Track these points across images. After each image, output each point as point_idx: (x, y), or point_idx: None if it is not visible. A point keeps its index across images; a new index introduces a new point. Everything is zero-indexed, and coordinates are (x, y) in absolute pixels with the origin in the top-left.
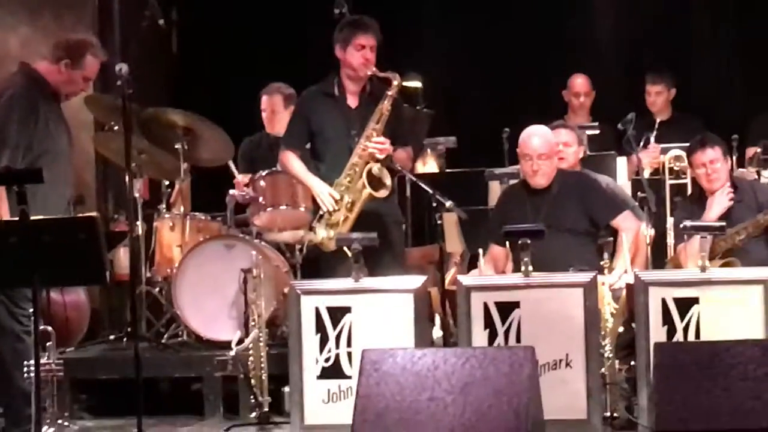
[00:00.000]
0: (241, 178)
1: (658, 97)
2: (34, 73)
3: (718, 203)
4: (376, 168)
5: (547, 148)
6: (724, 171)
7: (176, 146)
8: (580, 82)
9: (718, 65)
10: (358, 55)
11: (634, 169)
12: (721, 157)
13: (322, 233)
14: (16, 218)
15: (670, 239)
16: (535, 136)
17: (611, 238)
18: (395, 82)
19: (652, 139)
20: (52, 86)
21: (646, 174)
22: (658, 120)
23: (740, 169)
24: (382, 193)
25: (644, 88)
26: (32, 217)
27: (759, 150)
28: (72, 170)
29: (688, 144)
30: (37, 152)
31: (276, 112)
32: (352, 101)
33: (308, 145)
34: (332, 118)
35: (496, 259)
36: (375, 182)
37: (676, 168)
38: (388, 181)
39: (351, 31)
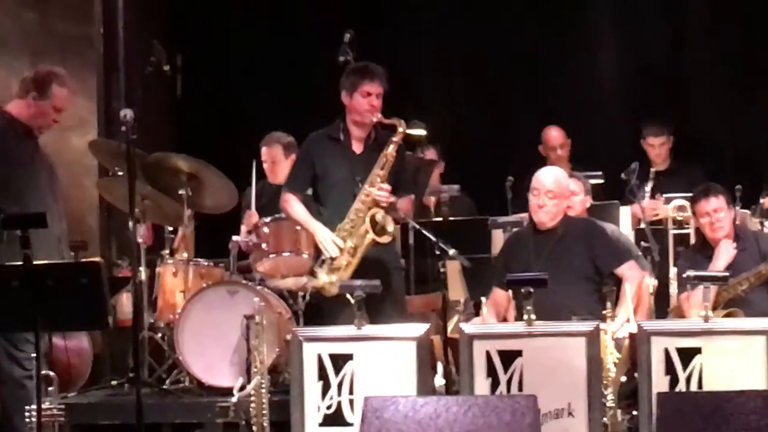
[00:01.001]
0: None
1: (662, 148)
2: (5, 114)
3: (725, 253)
4: (380, 215)
5: (556, 186)
6: (728, 220)
7: (180, 192)
8: (555, 135)
9: (720, 112)
10: (365, 102)
11: (637, 219)
12: (725, 206)
13: (323, 278)
14: (20, 263)
15: (673, 289)
16: (549, 174)
17: (614, 287)
18: (400, 129)
19: (648, 190)
20: (24, 124)
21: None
22: (654, 170)
23: (744, 210)
24: (385, 239)
25: (642, 138)
26: (36, 262)
27: (763, 201)
28: (61, 207)
29: (690, 194)
30: (14, 190)
31: (276, 162)
32: (357, 147)
33: (310, 190)
34: (337, 162)
35: (498, 302)
36: (378, 228)
37: (679, 218)
38: (390, 227)
39: (358, 78)
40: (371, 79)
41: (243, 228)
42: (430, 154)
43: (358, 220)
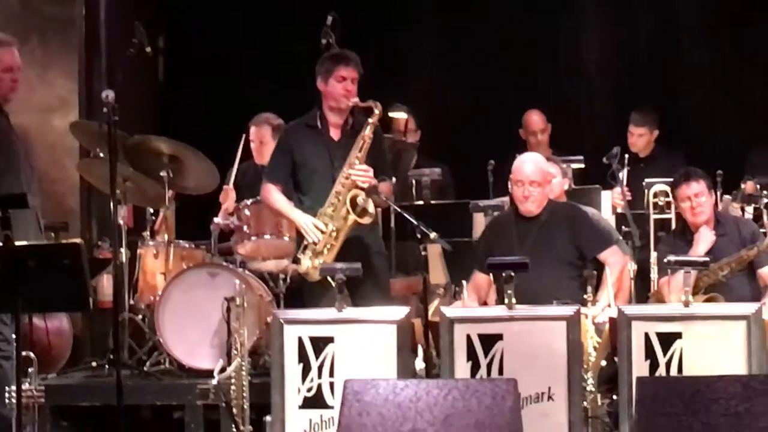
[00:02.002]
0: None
1: (639, 139)
2: None
3: (705, 239)
4: (361, 198)
5: (539, 175)
6: (708, 205)
7: (161, 174)
8: (535, 120)
9: (703, 99)
10: (340, 87)
11: (615, 203)
12: (706, 191)
13: (307, 263)
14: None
15: (654, 274)
16: (529, 163)
17: (595, 271)
18: (376, 111)
19: (623, 176)
20: None
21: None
22: (628, 156)
23: (726, 197)
24: (366, 220)
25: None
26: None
27: (744, 186)
28: (36, 181)
29: (671, 179)
30: None
31: (264, 143)
32: (335, 133)
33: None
34: (315, 150)
35: (479, 286)
36: (359, 210)
37: (660, 203)
38: (371, 209)
39: (332, 64)
40: (345, 64)
41: (222, 207)
42: (413, 136)
43: (339, 203)
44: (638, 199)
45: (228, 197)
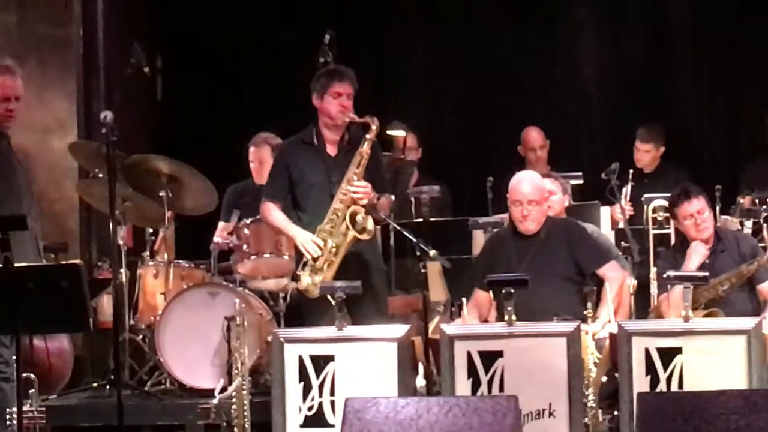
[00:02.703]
0: (222, 225)
1: (645, 155)
2: None
3: (697, 253)
4: (360, 216)
5: (537, 193)
6: (710, 220)
7: (160, 194)
8: (534, 136)
9: (702, 113)
10: (335, 103)
11: (617, 219)
12: (707, 206)
13: (306, 280)
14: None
15: (653, 289)
16: (526, 182)
17: (595, 287)
18: (373, 126)
19: (626, 192)
20: None
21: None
22: (632, 171)
23: (724, 217)
24: (366, 237)
25: (629, 138)
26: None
27: (743, 200)
28: (36, 206)
29: (670, 194)
30: None
31: (264, 163)
32: (332, 150)
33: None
34: (312, 166)
35: (479, 304)
36: (358, 227)
37: (659, 218)
38: (371, 225)
39: (327, 80)
40: (340, 80)
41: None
42: (414, 154)
43: (338, 220)
44: (636, 214)
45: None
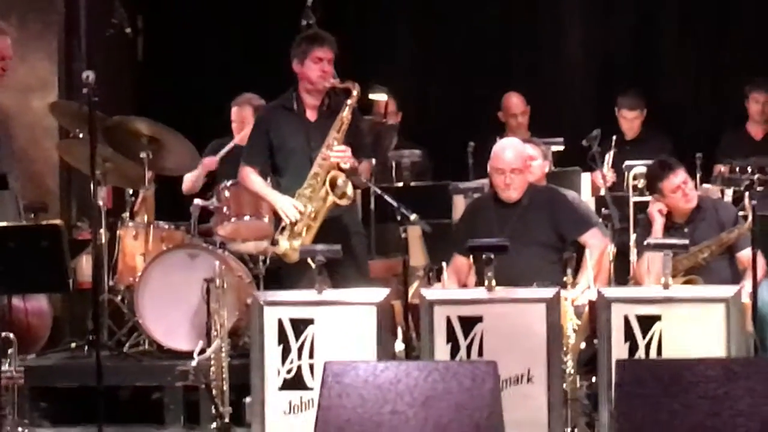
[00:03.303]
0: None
1: (634, 122)
2: None
3: (657, 217)
4: (340, 180)
5: (520, 162)
6: (693, 188)
7: (141, 155)
8: (515, 102)
9: (685, 82)
10: (316, 68)
11: (598, 186)
12: (688, 176)
13: (285, 245)
14: None
15: (633, 256)
16: (509, 150)
17: (574, 254)
18: (354, 92)
19: (609, 159)
20: None
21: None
22: (615, 138)
23: (705, 185)
24: (345, 202)
25: (614, 108)
26: None
27: (723, 168)
28: (15, 166)
29: (651, 161)
30: None
31: (246, 123)
32: (311, 115)
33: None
34: (292, 131)
35: (459, 269)
36: (338, 192)
37: (639, 185)
38: (350, 190)
39: (307, 45)
40: (321, 45)
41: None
42: (394, 118)
43: (317, 184)
44: (617, 181)
45: (205, 166)
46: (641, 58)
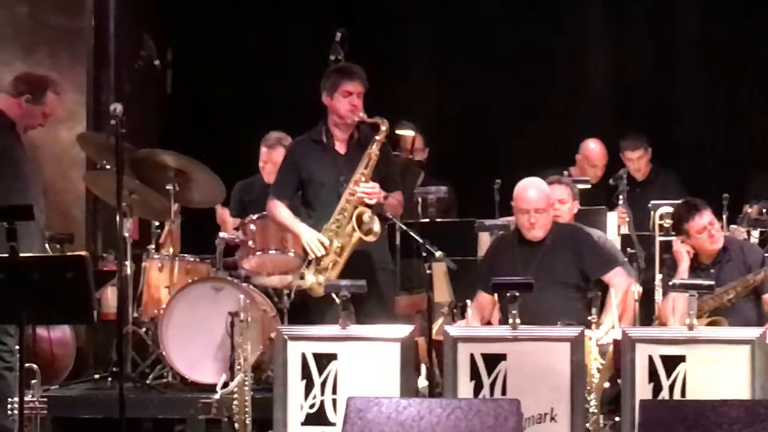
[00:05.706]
0: (231, 221)
1: (640, 161)
2: None
3: (684, 257)
4: (366, 215)
5: (544, 201)
6: (719, 228)
7: (167, 187)
8: (596, 151)
9: (700, 121)
10: (345, 102)
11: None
12: (713, 216)
13: (311, 279)
14: (5, 254)
15: (659, 296)
16: (531, 189)
17: (599, 293)
18: (383, 127)
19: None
20: (9, 118)
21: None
22: (635, 179)
23: (732, 226)
24: (372, 238)
25: (621, 153)
26: (22, 255)
27: (750, 209)
28: (41, 198)
29: (673, 200)
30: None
31: (277, 164)
32: (341, 148)
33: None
34: (321, 165)
35: (482, 306)
36: (364, 228)
37: (665, 225)
38: (377, 227)
39: (337, 78)
40: (351, 79)
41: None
42: (421, 155)
43: (344, 220)
44: (638, 221)
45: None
46: (658, 98)
